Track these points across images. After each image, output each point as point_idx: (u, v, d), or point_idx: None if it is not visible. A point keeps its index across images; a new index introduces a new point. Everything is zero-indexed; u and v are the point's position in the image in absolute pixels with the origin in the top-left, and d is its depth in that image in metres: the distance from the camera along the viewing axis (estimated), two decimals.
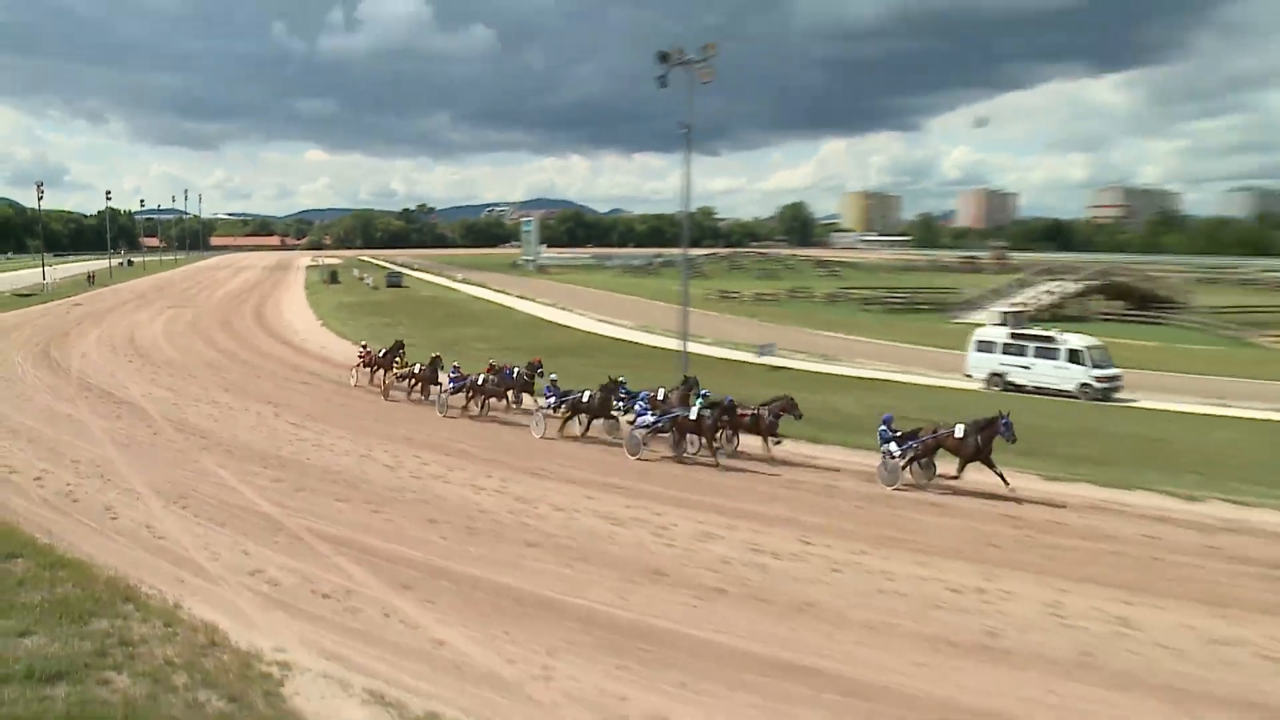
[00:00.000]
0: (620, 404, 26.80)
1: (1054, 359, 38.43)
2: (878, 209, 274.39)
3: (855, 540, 18.37)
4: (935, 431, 22.09)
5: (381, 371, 35.63)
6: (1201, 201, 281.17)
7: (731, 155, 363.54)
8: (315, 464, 24.00)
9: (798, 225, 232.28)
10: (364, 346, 38.23)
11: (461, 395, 31.10)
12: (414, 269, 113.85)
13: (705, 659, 13.03)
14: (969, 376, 40.44)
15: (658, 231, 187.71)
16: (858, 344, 54.77)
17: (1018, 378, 39.02)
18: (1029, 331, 41.26)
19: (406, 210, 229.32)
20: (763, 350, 45.11)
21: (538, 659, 13.01)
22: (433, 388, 32.69)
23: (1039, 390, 38.17)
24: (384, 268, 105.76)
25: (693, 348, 38.93)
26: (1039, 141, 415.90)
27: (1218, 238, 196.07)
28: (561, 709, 11.74)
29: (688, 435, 24.52)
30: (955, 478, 21.91)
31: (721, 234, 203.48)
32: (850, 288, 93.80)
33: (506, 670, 12.69)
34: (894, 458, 21.99)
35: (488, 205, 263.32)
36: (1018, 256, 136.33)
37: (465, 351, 42.36)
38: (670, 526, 19.04)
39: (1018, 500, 21.06)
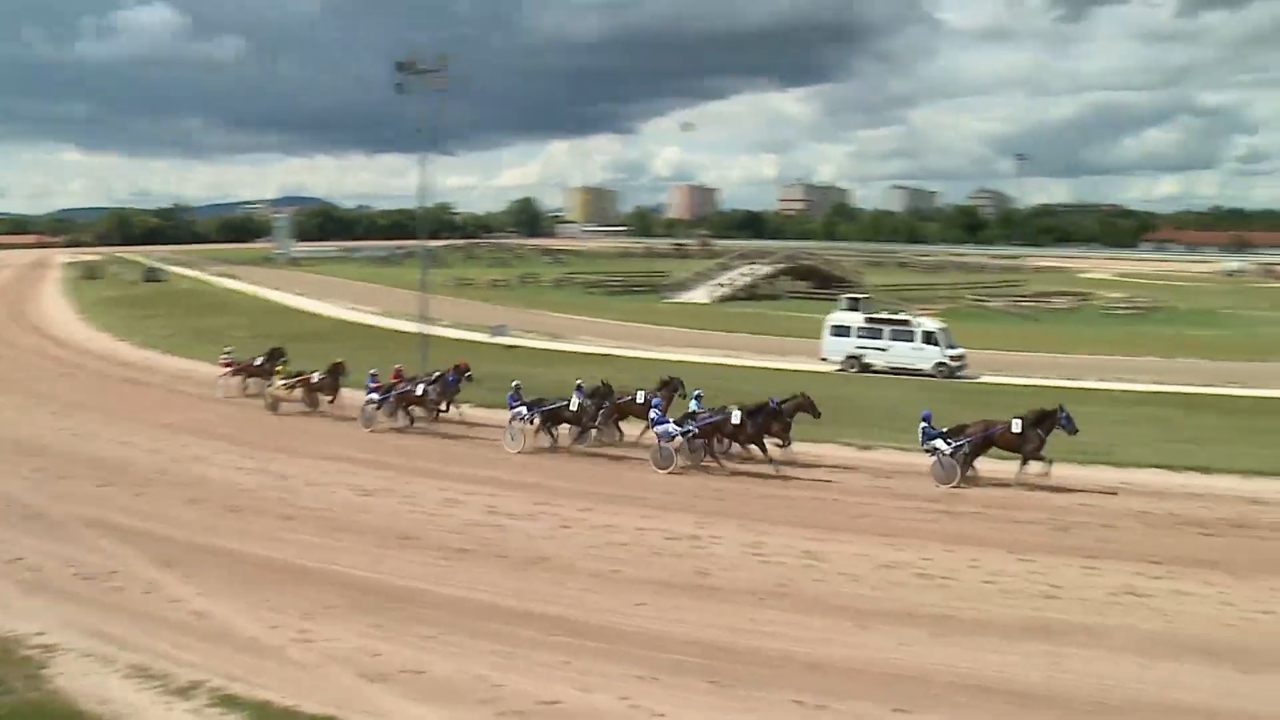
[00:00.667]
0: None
1: (910, 341, 40.81)
2: (598, 203, 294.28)
3: (584, 499, 20.18)
4: (987, 428, 22.07)
5: (261, 381, 31.65)
6: (868, 197, 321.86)
7: (467, 155, 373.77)
8: (79, 452, 23.90)
9: (527, 218, 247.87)
10: (228, 353, 33.86)
11: (389, 407, 27.70)
12: (172, 264, 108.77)
13: (451, 612, 14.19)
14: (824, 360, 41.93)
15: (400, 225, 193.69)
16: (583, 323, 58.47)
17: (874, 359, 41.02)
18: (884, 315, 43.33)
19: (164, 209, 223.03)
20: (496, 331, 46.99)
21: (296, 623, 13.68)
22: (324, 397, 29.66)
23: (895, 370, 40.29)
24: (142, 263, 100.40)
25: (432, 330, 40.54)
26: (737, 144, 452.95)
27: (881, 227, 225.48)
28: (321, 668, 12.39)
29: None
30: (1019, 473, 21.68)
31: (458, 227, 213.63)
32: (575, 273, 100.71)
33: (267, 636, 13.27)
34: (948, 455, 21.61)
35: (242, 203, 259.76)
36: (720, 243, 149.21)
37: (226, 339, 41.89)
38: (416, 495, 20.44)
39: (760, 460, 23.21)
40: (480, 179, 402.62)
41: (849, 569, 16.01)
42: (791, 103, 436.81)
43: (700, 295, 77.70)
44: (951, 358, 39.96)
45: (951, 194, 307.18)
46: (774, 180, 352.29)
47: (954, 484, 21.22)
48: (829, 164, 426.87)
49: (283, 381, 29.82)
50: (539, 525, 18.44)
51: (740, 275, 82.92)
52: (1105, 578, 15.72)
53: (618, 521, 18.58)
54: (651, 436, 23.69)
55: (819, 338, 42.76)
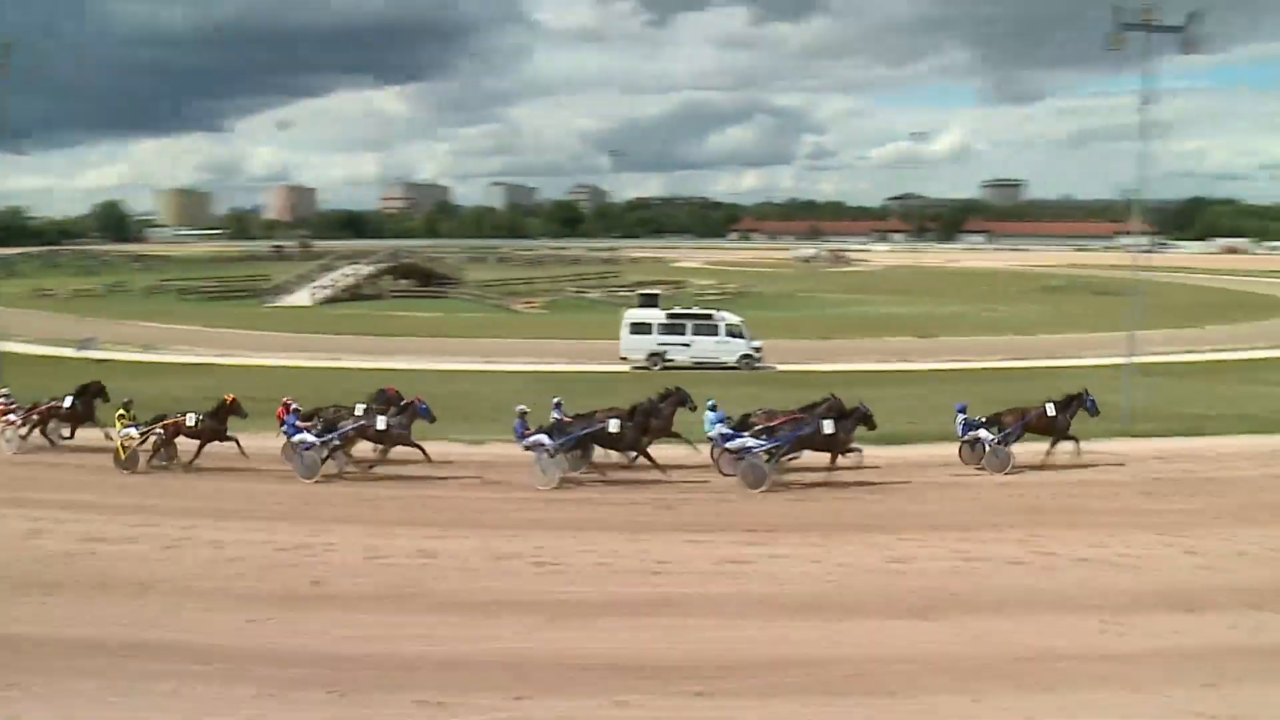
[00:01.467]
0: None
1: (715, 335, 42.15)
2: (192, 205, 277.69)
3: (186, 516, 19.18)
4: (1025, 415, 23.55)
5: (106, 431, 24.58)
6: (469, 194, 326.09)
7: (42, 154, 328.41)
8: None
9: (113, 222, 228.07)
10: (5, 394, 26.29)
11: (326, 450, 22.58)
12: None
13: (48, 653, 12.97)
14: (623, 359, 42.04)
15: None
16: (181, 331, 55.77)
17: (678, 355, 41.49)
18: (686, 311, 44.16)
19: None
20: (83, 344, 44.79)
21: None
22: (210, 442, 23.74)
23: (699, 365, 40.91)
24: None
25: (8, 346, 37.01)
26: (336, 143, 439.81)
27: (482, 224, 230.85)
28: None
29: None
30: (1048, 454, 23.62)
31: (35, 232, 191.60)
32: (168, 280, 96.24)
33: None
34: (998, 443, 22.86)
35: None
36: (321, 244, 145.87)
37: None
38: None
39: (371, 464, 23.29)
40: (59, 180, 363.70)
41: (466, 564, 16.44)
42: (391, 100, 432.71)
43: (302, 298, 77.17)
44: (754, 349, 41.88)
45: (551, 190, 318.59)
46: (375, 179, 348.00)
47: (1008, 470, 22.67)
48: (430, 162, 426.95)
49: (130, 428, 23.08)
50: (141, 548, 17.39)
51: (343, 276, 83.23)
52: (710, 549, 17.12)
53: (224, 537, 17.89)
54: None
55: (431, 335, 42.93)
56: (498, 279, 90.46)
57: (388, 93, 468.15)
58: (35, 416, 25.34)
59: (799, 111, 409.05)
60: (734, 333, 42.55)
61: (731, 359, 41.71)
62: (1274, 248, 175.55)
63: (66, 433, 25.79)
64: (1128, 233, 40.23)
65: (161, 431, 23.24)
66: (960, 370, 40.97)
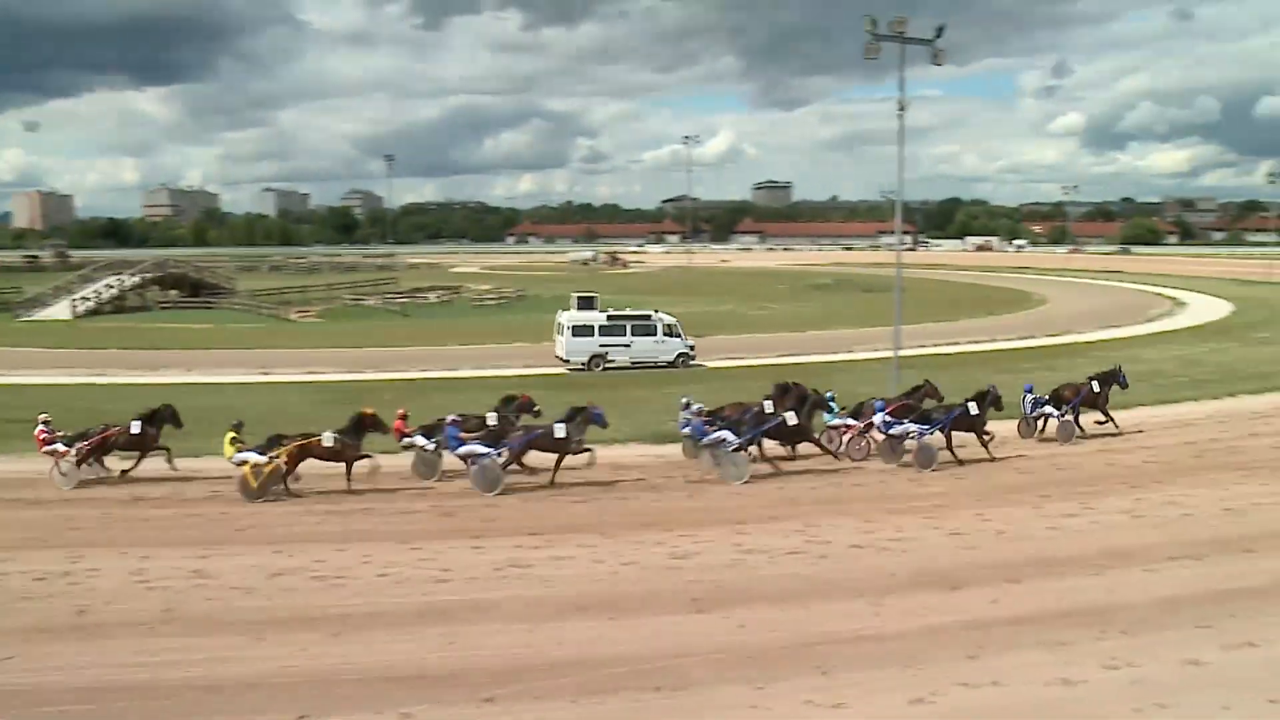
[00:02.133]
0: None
1: (653, 335, 42.99)
2: None
3: None
4: (1080, 390, 27.20)
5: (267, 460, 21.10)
6: (239, 200, 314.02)
7: None
8: None
9: None
10: (45, 421, 22.65)
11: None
12: None
13: None
14: (565, 361, 42.23)
15: None
16: None
17: (619, 356, 42.31)
18: (625, 312, 44.66)
19: None
20: None
21: None
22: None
23: (636, 365, 41.90)
24: None
25: None
26: (92, 146, 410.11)
27: (253, 231, 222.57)
28: None
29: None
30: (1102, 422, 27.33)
31: None
32: None
33: None
34: (1063, 418, 26.55)
35: None
36: (79, 254, 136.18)
37: None
38: None
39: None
40: None
41: (241, 582, 15.69)
42: (151, 102, 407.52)
43: (61, 311, 71.94)
44: (689, 348, 43.30)
45: (324, 196, 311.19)
46: (137, 185, 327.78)
47: (1073, 440, 26.02)
48: (195, 167, 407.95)
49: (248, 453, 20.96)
50: None
51: (105, 287, 78.28)
52: (491, 554, 17.01)
53: None
54: None
55: (203, 347, 40.92)
56: (271, 288, 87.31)
57: (148, 94, 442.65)
58: (88, 445, 22.37)
59: (573, 116, 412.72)
60: (670, 332, 43.60)
61: (669, 358, 43.06)
62: (1020, 245, 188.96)
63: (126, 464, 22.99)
64: (889, 232, 42.24)
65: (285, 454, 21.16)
66: (741, 367, 42.08)
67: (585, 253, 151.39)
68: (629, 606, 14.65)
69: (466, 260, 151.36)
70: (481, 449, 21.73)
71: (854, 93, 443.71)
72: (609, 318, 43.63)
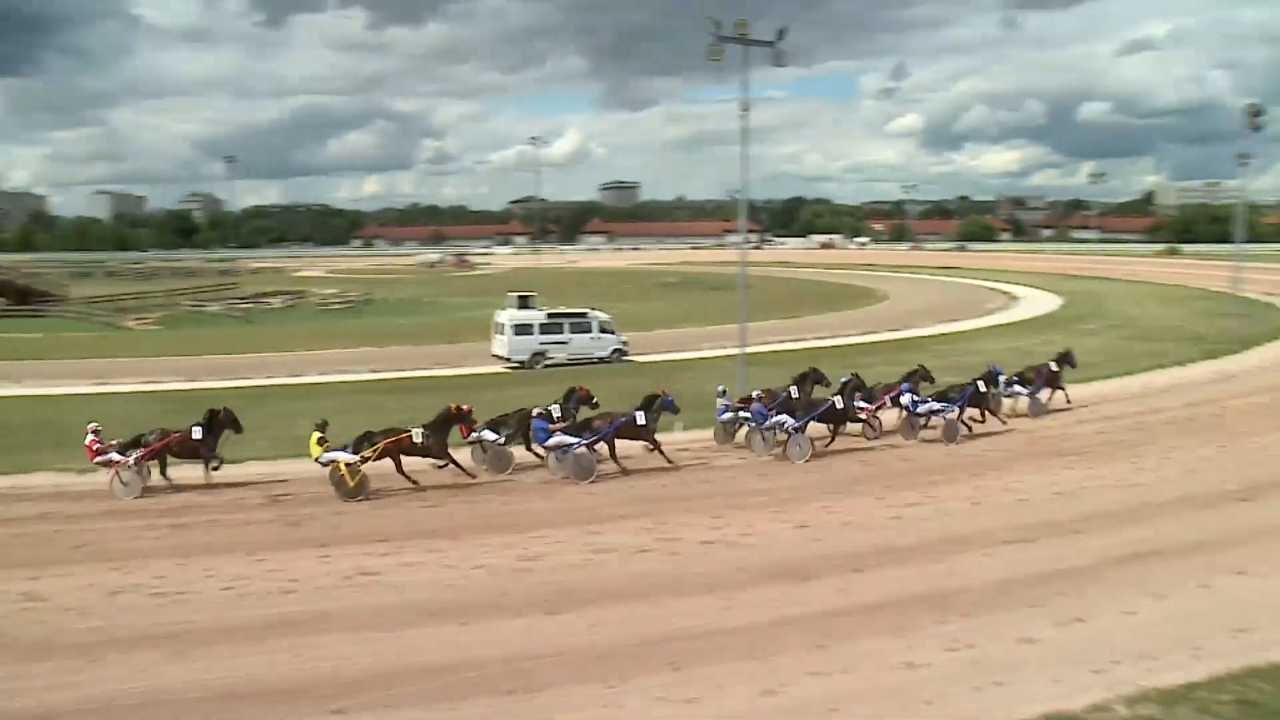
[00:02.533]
0: None
1: (589, 332, 44.55)
2: None
3: None
4: (1041, 371, 30.44)
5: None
6: (69, 203, 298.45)
7: None
8: None
9: None
10: (94, 430, 21.83)
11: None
12: None
13: None
14: (507, 360, 43.05)
15: None
16: None
17: (557, 353, 43.35)
18: (562, 310, 45.97)
19: None
20: None
21: None
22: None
23: (574, 361, 42.91)
24: None
25: None
26: None
27: (85, 235, 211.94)
28: None
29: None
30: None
31: None
32: None
33: None
34: (1032, 394, 29.80)
35: None
36: None
37: None
38: None
39: None
40: None
41: (76, 603, 14.95)
42: None
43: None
44: (623, 344, 44.99)
45: (161, 199, 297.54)
46: None
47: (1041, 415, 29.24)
48: (21, 168, 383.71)
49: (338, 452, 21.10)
50: None
51: None
52: (339, 563, 16.69)
53: None
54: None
55: (34, 358, 40.70)
56: (106, 294, 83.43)
57: None
58: (145, 452, 21.68)
59: (418, 116, 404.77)
60: (605, 329, 45.23)
61: (605, 353, 44.56)
62: (862, 243, 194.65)
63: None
64: (736, 231, 43.29)
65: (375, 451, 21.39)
66: (584, 368, 42.26)
67: (432, 255, 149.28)
68: (480, 611, 14.51)
69: (311, 264, 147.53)
70: (570, 439, 22.57)
71: (700, 93, 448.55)
72: (548, 316, 44.87)
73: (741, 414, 25.88)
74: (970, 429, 26.91)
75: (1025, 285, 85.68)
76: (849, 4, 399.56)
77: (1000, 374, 28.41)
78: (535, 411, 23.28)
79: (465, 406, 22.81)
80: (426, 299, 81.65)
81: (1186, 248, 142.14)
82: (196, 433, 22.17)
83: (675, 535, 18.11)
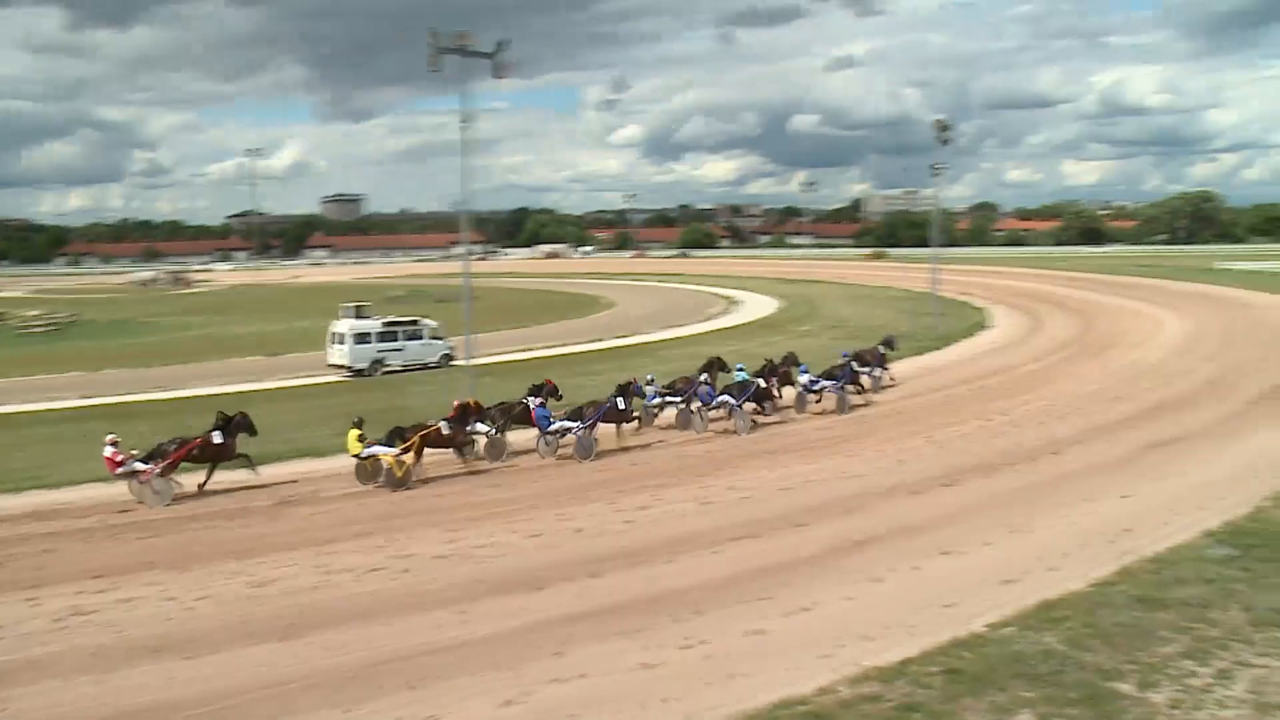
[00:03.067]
0: None
1: (421, 339, 46.64)
2: None
3: None
4: (876, 353, 35.46)
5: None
6: None
7: None
8: None
9: None
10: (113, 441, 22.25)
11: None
12: None
13: None
14: (349, 368, 44.06)
15: None
16: None
17: (394, 360, 45.41)
18: (397, 319, 47.88)
19: None
20: None
21: None
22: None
23: (408, 367, 45.26)
24: None
25: None
26: None
27: None
28: None
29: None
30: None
31: None
32: None
33: None
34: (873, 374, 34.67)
35: None
36: None
37: None
38: None
39: None
40: None
41: None
42: None
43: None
44: (450, 349, 46.75)
45: None
46: None
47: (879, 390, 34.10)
48: None
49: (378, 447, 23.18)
50: None
51: None
52: (48, 605, 15.64)
53: None
54: None
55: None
56: None
57: None
58: (170, 460, 22.30)
59: (128, 126, 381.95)
60: (435, 336, 47.38)
61: (435, 359, 46.68)
62: (587, 252, 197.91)
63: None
64: (461, 242, 43.42)
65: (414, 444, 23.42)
66: (320, 385, 41.06)
67: (146, 273, 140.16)
68: (207, 643, 13.92)
69: (10, 283, 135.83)
70: (570, 424, 25.85)
71: (425, 104, 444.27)
72: (384, 324, 46.65)
73: (669, 399, 29.96)
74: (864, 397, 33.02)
75: (745, 290, 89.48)
76: (571, 17, 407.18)
77: (886, 349, 36.49)
78: (536, 401, 26.76)
79: (476, 401, 25.46)
80: (142, 319, 76.55)
81: (892, 251, 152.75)
82: (216, 437, 23.16)
83: (409, 551, 17.94)
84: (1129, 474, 22.17)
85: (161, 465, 21.97)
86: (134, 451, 22.16)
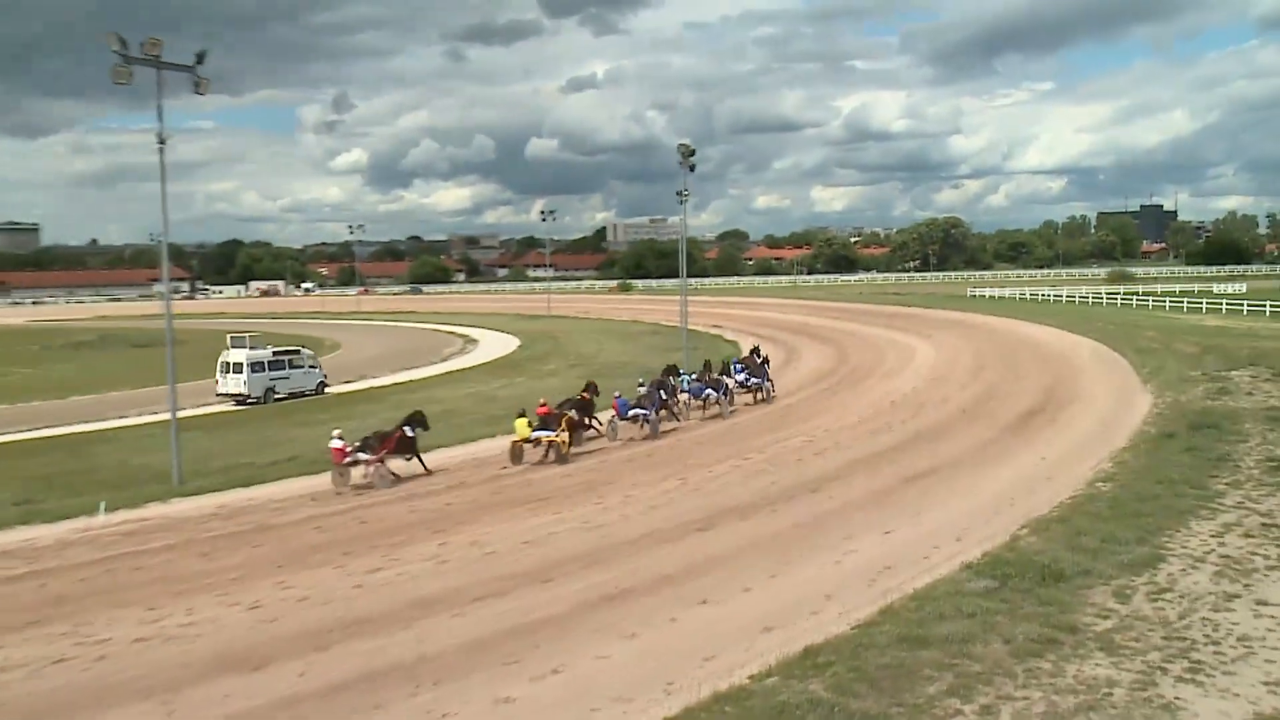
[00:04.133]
0: None
1: (303, 367, 51.96)
2: None
3: None
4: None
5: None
6: None
7: None
8: None
9: None
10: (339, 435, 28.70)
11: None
12: None
13: None
14: (245, 397, 48.71)
15: None
16: None
17: (282, 388, 50.40)
18: (283, 349, 53.21)
19: None
20: None
21: None
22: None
23: (292, 395, 50.10)
24: None
25: None
26: None
27: None
28: None
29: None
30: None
31: None
32: None
33: None
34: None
35: None
36: None
37: None
38: None
39: None
40: None
41: None
42: None
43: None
44: (325, 376, 53.04)
45: None
46: None
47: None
48: None
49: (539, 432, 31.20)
50: None
51: None
52: None
53: None
54: None
55: None
56: None
57: None
58: (385, 449, 28.58)
59: None
60: (313, 364, 52.93)
61: (312, 386, 52.00)
62: (308, 289, 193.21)
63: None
64: (160, 279, 41.16)
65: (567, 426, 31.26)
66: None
67: None
68: None
69: None
70: (643, 410, 34.87)
71: (113, 121, 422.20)
72: (274, 354, 51.52)
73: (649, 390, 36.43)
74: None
75: (483, 328, 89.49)
76: (283, 29, 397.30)
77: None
78: (616, 394, 35.66)
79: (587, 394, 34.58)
80: None
81: (639, 283, 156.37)
82: (410, 431, 29.45)
83: (101, 636, 16.74)
84: (889, 509, 23.34)
85: (380, 454, 28.21)
86: (355, 444, 28.36)
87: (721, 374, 41.89)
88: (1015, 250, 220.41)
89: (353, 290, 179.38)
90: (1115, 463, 26.41)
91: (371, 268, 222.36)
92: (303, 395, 50.80)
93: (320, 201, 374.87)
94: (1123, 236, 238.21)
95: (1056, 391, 39.94)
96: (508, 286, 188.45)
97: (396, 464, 28.88)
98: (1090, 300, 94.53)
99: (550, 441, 30.87)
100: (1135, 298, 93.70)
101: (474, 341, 78.54)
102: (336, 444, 28.00)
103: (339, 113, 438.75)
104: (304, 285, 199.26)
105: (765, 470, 28.31)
